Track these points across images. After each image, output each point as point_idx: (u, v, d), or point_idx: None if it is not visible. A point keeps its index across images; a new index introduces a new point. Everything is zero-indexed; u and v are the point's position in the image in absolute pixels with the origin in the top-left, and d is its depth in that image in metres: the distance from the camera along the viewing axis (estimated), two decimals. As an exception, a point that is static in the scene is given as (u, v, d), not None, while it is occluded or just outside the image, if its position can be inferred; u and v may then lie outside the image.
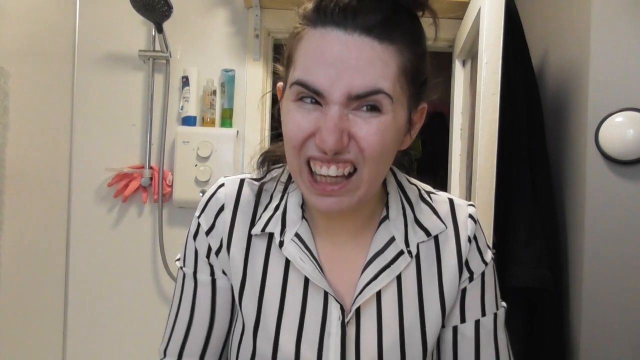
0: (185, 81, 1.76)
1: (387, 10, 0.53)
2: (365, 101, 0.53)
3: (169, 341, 0.67)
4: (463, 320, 0.66)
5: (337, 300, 0.61)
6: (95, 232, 1.79)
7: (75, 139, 1.80)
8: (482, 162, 1.27)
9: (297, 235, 0.64)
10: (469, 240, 0.66)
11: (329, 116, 0.53)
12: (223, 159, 1.72)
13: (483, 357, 0.65)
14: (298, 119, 0.55)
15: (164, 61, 1.78)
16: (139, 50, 1.75)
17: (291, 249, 0.63)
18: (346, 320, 0.61)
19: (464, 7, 1.58)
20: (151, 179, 1.75)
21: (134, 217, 1.80)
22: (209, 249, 0.67)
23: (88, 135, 1.80)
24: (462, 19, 1.64)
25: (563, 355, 1.23)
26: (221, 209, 0.67)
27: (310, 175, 0.56)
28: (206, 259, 0.67)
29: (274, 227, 0.64)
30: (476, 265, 0.66)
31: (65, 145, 1.79)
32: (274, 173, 0.70)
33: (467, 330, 0.66)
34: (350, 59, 0.52)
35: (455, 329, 0.66)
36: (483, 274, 0.67)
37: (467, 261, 0.66)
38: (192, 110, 1.76)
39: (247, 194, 0.68)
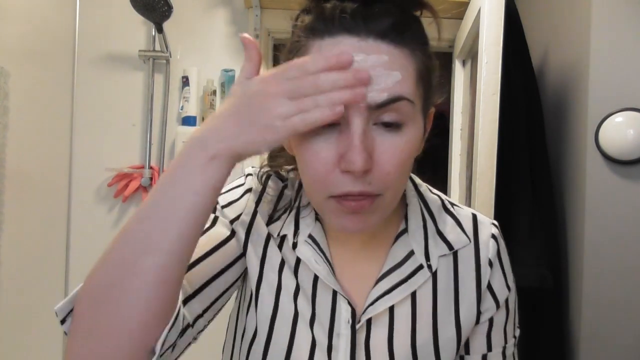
0: (185, 81, 1.76)
1: (396, 13, 0.51)
2: (387, 110, 0.50)
3: None
4: (490, 349, 0.64)
5: (346, 300, 0.60)
6: (95, 232, 1.79)
7: (75, 139, 1.80)
8: (482, 162, 1.27)
9: (310, 236, 0.62)
10: (490, 263, 0.63)
11: (353, 132, 0.49)
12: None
13: None
14: (317, 149, 0.51)
15: (164, 61, 1.78)
16: (139, 50, 1.75)
17: (305, 251, 0.61)
18: (358, 326, 0.60)
19: (464, 7, 1.58)
20: (151, 179, 1.75)
21: (134, 217, 1.80)
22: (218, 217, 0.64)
23: (88, 135, 1.80)
24: (462, 19, 1.64)
25: (563, 355, 1.23)
26: (249, 189, 0.66)
27: (340, 200, 0.52)
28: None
29: (288, 229, 0.63)
30: (500, 290, 0.64)
31: (65, 145, 1.79)
32: (293, 175, 0.68)
33: (494, 358, 0.64)
34: (367, 67, 0.49)
35: (484, 357, 0.64)
36: (507, 301, 0.64)
37: (489, 285, 0.63)
38: (192, 110, 1.76)
39: (272, 189, 0.66)
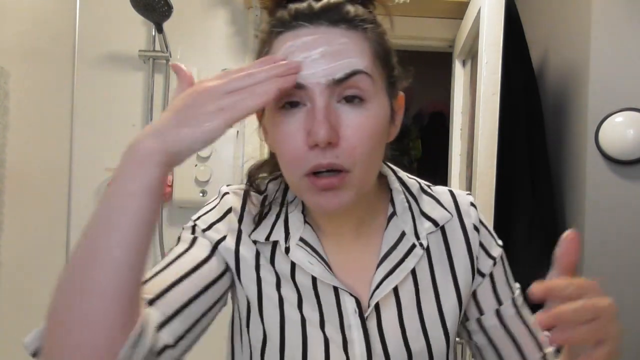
0: (185, 81, 1.76)
1: (346, 6, 0.56)
2: (347, 86, 0.54)
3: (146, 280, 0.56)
4: (500, 303, 0.67)
5: (350, 293, 0.61)
6: (95, 232, 1.79)
7: (75, 139, 1.80)
8: (482, 162, 1.27)
9: (302, 239, 0.63)
10: (475, 228, 0.67)
11: (317, 108, 0.53)
12: (223, 159, 1.72)
13: (526, 329, 0.67)
14: (286, 129, 0.55)
15: (164, 61, 1.78)
16: (139, 50, 1.75)
17: (298, 254, 0.62)
18: (366, 315, 0.61)
19: (464, 7, 1.58)
20: (151, 179, 1.75)
21: (134, 217, 1.80)
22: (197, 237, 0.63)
23: (88, 135, 1.80)
24: (462, 19, 1.64)
25: (563, 355, 1.23)
26: (229, 210, 0.66)
27: (312, 178, 0.55)
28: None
29: (278, 234, 0.64)
30: (491, 248, 0.68)
31: (65, 145, 1.79)
32: (272, 185, 0.69)
33: (508, 310, 0.67)
34: (323, 49, 0.54)
35: (498, 311, 0.67)
36: (501, 257, 0.68)
37: (481, 244, 0.67)
38: (192, 110, 1.75)
39: (251, 206, 0.67)
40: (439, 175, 1.96)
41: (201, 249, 0.62)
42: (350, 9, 0.57)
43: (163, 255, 1.73)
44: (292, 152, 0.55)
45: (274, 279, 0.63)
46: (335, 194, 0.55)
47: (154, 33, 1.75)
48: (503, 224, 1.28)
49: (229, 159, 1.72)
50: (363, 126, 0.54)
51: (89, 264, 0.45)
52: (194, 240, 0.63)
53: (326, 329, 0.61)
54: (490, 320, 0.67)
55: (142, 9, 1.57)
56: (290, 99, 0.55)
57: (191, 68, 1.76)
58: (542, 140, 1.34)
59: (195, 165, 1.71)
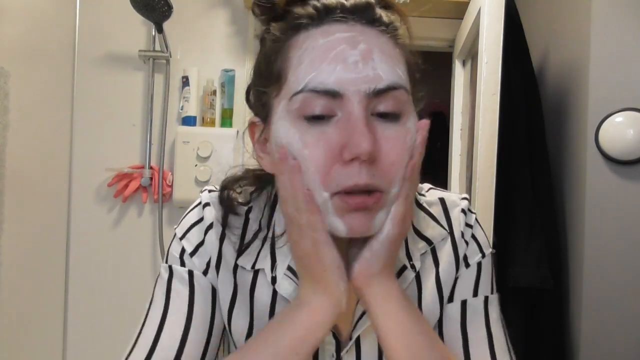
0: (185, 81, 1.76)
1: (377, 8, 0.51)
2: (385, 99, 0.48)
3: (152, 351, 0.54)
4: (450, 300, 0.60)
5: (333, 333, 0.57)
6: (95, 232, 1.79)
7: (75, 139, 1.80)
8: (482, 162, 1.27)
9: (290, 268, 0.57)
10: (462, 235, 0.61)
11: (356, 117, 0.46)
12: (223, 159, 1.72)
13: (472, 340, 0.58)
14: (311, 141, 0.47)
15: (164, 61, 1.78)
16: (139, 50, 1.75)
17: (286, 286, 0.56)
18: (345, 350, 0.57)
19: (464, 7, 1.58)
20: (151, 179, 1.75)
21: (134, 217, 1.80)
22: (193, 270, 0.60)
23: (88, 135, 1.80)
24: (462, 19, 1.64)
25: (563, 355, 1.23)
26: (210, 226, 0.60)
27: (344, 196, 0.48)
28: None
29: (264, 262, 0.58)
30: (472, 253, 0.61)
31: (65, 145, 1.79)
32: (257, 200, 0.62)
33: (453, 311, 0.60)
34: (362, 49, 0.47)
35: (448, 305, 0.61)
36: (480, 264, 0.61)
37: (466, 258, 0.61)
38: (192, 110, 1.76)
39: (234, 218, 0.60)
40: (439, 175, 1.96)
41: (204, 288, 0.58)
42: (382, 12, 0.51)
43: (163, 253, 1.73)
44: (322, 168, 0.47)
45: (247, 304, 0.58)
46: (367, 215, 0.48)
47: (154, 33, 1.75)
48: (503, 224, 1.28)
49: (229, 159, 1.72)
50: (401, 141, 0.49)
51: None
52: (191, 276, 0.58)
53: None
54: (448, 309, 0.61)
55: (142, 9, 1.57)
56: (315, 113, 0.47)
57: (191, 68, 1.76)
58: (542, 140, 1.34)
59: (195, 165, 1.71)
